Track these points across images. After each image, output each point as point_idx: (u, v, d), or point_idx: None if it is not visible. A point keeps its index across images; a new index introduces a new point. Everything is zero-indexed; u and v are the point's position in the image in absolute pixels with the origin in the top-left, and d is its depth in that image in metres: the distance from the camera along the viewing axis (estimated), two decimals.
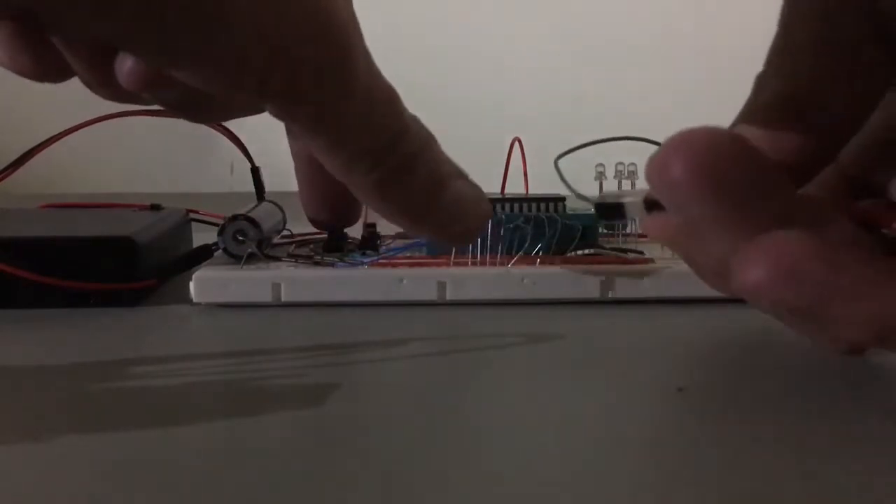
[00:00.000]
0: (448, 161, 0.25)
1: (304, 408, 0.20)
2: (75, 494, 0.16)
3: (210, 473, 0.16)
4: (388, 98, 0.23)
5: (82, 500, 0.15)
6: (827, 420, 0.19)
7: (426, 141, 0.24)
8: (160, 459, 0.17)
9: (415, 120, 0.24)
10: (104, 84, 0.21)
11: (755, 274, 0.18)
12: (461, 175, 0.25)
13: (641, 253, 0.32)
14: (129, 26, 0.19)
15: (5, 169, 0.33)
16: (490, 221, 0.31)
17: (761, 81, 0.21)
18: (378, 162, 0.22)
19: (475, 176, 0.30)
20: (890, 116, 0.22)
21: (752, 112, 0.21)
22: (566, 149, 0.33)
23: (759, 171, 0.19)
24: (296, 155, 0.27)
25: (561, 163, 0.34)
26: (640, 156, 0.33)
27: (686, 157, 0.18)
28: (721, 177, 0.18)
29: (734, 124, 0.21)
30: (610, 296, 0.30)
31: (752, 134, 0.20)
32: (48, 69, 0.21)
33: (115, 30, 0.19)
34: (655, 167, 0.19)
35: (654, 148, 0.33)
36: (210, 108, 0.23)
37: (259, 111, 0.22)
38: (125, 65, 0.20)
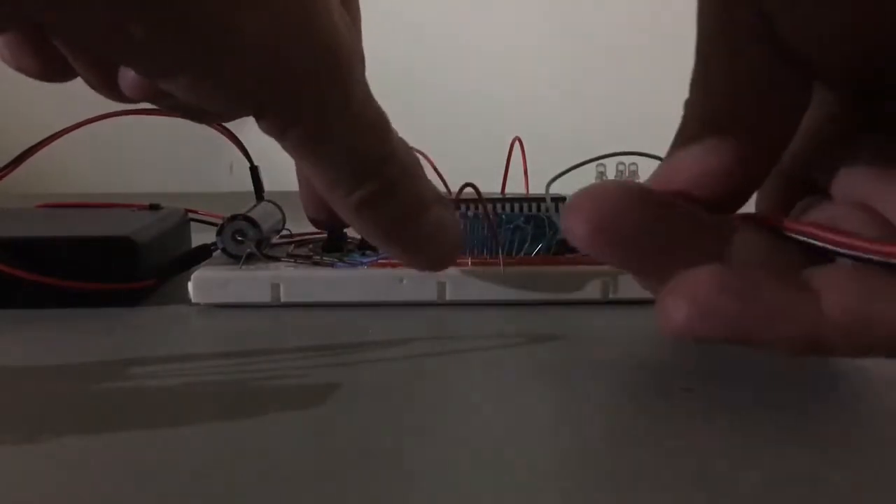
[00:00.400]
0: (430, 186, 0.25)
1: (304, 408, 0.20)
2: (75, 494, 0.15)
3: (210, 473, 0.16)
4: (377, 123, 0.23)
5: (82, 500, 0.15)
6: (829, 420, 0.19)
7: (410, 167, 0.24)
8: (160, 459, 0.17)
9: (401, 142, 0.24)
10: (107, 87, 0.21)
11: (674, 319, 0.19)
12: (440, 201, 0.25)
13: None
14: (137, 49, 0.19)
15: (4, 168, 0.33)
16: (490, 222, 0.31)
17: (687, 108, 0.21)
18: (360, 184, 0.23)
19: (476, 176, 0.30)
20: (824, 114, 0.23)
21: (680, 140, 0.22)
22: (566, 148, 0.33)
23: (656, 217, 0.19)
24: None
25: (562, 162, 0.34)
26: (641, 156, 0.33)
27: (583, 217, 0.19)
28: (617, 233, 0.19)
29: (669, 152, 0.22)
30: (610, 296, 0.30)
31: (682, 161, 0.21)
32: (52, 70, 0.21)
33: (121, 50, 0.19)
34: (564, 227, 0.20)
35: (652, 145, 0.33)
36: (211, 113, 0.23)
37: None
38: (128, 75, 0.20)
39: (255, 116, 0.22)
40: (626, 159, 0.33)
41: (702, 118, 0.21)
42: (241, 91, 0.21)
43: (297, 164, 0.29)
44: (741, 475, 0.16)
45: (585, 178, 0.35)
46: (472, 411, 0.20)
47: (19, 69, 0.21)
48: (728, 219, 0.21)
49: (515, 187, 0.38)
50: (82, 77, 0.21)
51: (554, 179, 0.33)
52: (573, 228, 0.19)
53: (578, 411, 0.20)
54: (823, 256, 0.20)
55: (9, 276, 0.29)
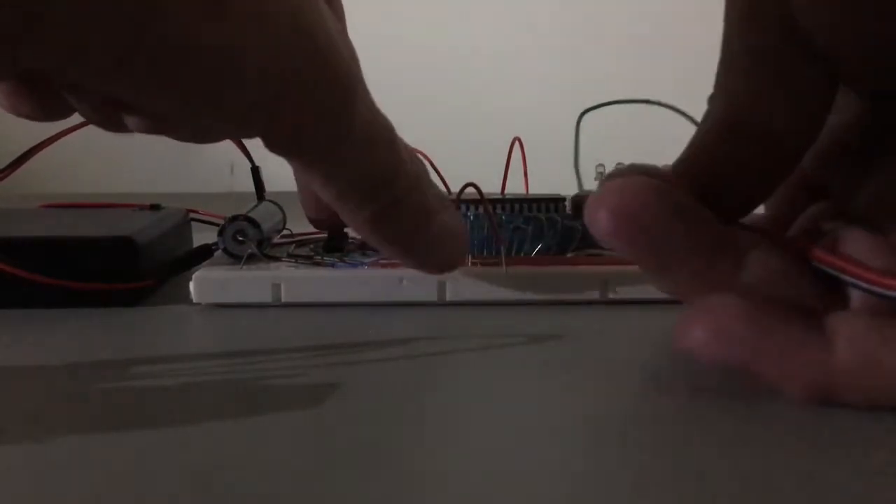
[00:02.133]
0: (435, 193, 0.25)
1: (304, 408, 0.20)
2: (75, 494, 0.15)
3: (210, 473, 0.16)
4: (385, 137, 0.23)
5: (82, 500, 0.15)
6: (829, 419, 0.19)
7: (418, 176, 0.24)
8: (160, 459, 0.17)
9: (408, 151, 0.24)
10: (108, 125, 0.21)
11: (693, 336, 0.19)
12: (446, 207, 0.26)
13: None
14: (144, 91, 0.19)
15: (5, 168, 0.33)
16: (492, 222, 0.31)
17: (710, 104, 0.21)
18: (371, 199, 0.23)
19: (476, 176, 0.30)
20: (846, 119, 0.22)
21: (703, 136, 0.21)
22: (567, 149, 0.33)
23: (679, 221, 0.19)
24: None
25: (560, 165, 0.34)
26: (640, 156, 0.33)
27: (609, 210, 0.19)
28: (640, 232, 0.19)
29: (690, 145, 0.22)
30: (610, 296, 0.30)
31: (704, 157, 0.21)
32: (50, 112, 0.21)
33: (127, 92, 0.19)
34: (588, 218, 0.20)
35: (650, 147, 0.33)
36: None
37: None
38: (132, 117, 0.20)
39: (263, 143, 0.22)
40: (626, 159, 0.33)
41: (721, 116, 0.21)
42: (247, 123, 0.21)
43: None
44: (741, 476, 0.16)
45: (587, 174, 0.35)
46: (472, 411, 0.20)
47: (18, 114, 0.21)
48: (748, 232, 0.21)
49: (515, 188, 0.38)
50: (84, 117, 0.21)
51: (588, 111, 0.33)
52: (598, 220, 0.19)
53: (578, 411, 0.20)
54: (835, 282, 0.20)
55: (9, 276, 0.29)
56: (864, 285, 0.19)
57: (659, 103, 0.35)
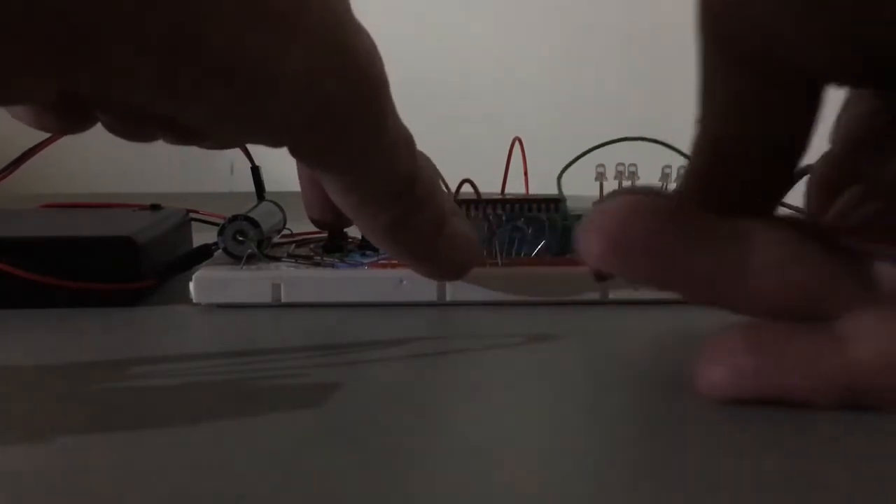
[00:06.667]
0: (448, 198, 0.25)
1: (304, 408, 0.20)
2: (75, 494, 0.16)
3: (210, 473, 0.16)
4: (406, 144, 0.23)
5: (82, 500, 0.15)
6: (827, 419, 0.19)
7: (434, 182, 0.24)
8: (160, 459, 0.17)
9: (424, 158, 0.24)
10: (133, 137, 0.21)
11: (712, 381, 0.19)
12: (456, 212, 0.25)
13: None
14: (186, 110, 0.19)
15: (5, 169, 0.33)
16: (490, 222, 0.31)
17: (696, 126, 0.21)
18: (390, 205, 0.23)
19: (476, 176, 0.30)
20: (870, 107, 0.22)
21: (693, 161, 0.21)
22: (566, 148, 0.34)
23: (674, 223, 0.19)
24: None
25: (560, 165, 0.34)
26: (639, 156, 0.33)
27: (601, 235, 0.19)
28: (635, 251, 0.19)
29: (686, 171, 0.22)
30: (610, 297, 0.30)
31: (701, 180, 0.21)
32: (75, 127, 0.21)
33: (167, 112, 0.19)
34: (580, 248, 0.20)
35: (652, 146, 0.33)
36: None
37: None
38: (162, 132, 0.20)
39: (291, 153, 0.21)
40: (626, 159, 0.33)
41: (702, 141, 0.21)
42: (282, 136, 0.21)
43: (298, 166, 0.29)
44: (740, 475, 0.16)
45: (587, 174, 0.35)
46: (472, 411, 0.20)
47: (42, 128, 0.21)
48: (753, 219, 0.20)
49: (515, 188, 0.38)
50: (109, 130, 0.21)
51: (565, 169, 0.33)
52: (588, 248, 0.19)
53: (578, 411, 0.20)
54: (853, 263, 0.20)
55: (9, 276, 0.29)
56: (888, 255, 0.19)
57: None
